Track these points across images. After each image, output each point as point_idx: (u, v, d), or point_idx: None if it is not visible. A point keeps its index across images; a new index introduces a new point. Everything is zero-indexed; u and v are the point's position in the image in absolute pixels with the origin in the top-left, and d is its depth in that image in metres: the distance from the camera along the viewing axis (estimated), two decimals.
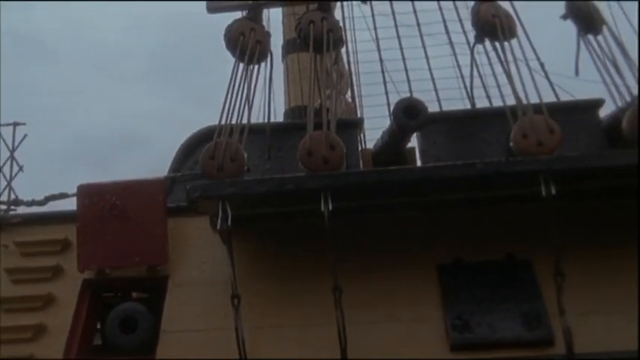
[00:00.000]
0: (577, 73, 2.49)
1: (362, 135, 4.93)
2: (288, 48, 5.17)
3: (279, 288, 2.44)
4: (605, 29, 2.38)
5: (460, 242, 2.43)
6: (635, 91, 2.25)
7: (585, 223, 2.36)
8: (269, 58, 2.65)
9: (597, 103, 2.64)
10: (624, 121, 2.18)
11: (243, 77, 2.51)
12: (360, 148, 3.01)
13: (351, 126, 2.91)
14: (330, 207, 2.09)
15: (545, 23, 2.77)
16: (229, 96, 2.44)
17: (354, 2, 6.64)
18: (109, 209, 2.49)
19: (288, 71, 5.32)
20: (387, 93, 5.60)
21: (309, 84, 2.50)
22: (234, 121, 2.41)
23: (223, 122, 2.37)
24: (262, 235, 2.53)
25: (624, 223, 2.34)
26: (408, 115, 2.43)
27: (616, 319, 2.18)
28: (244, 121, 2.45)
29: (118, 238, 2.48)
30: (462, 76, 3.00)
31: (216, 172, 2.28)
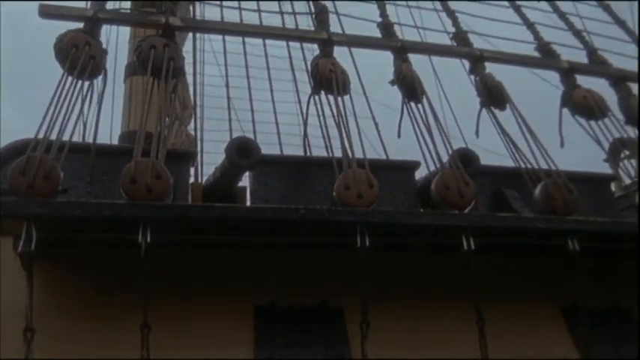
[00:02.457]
0: (399, 135, 2.71)
1: (199, 169, 4.87)
2: (131, 70, 4.98)
3: (84, 323, 2.25)
4: (424, 99, 2.63)
5: (278, 285, 2.46)
6: (445, 158, 2.50)
7: (397, 275, 2.53)
8: (103, 76, 2.52)
9: (414, 165, 2.88)
10: (432, 185, 2.40)
11: (71, 92, 2.35)
12: (190, 182, 2.95)
13: (184, 157, 2.85)
14: (149, 239, 2.00)
15: (382, 85, 2.98)
16: (51, 109, 2.26)
17: (207, 36, 6.65)
18: None
19: (127, 94, 5.11)
20: (230, 130, 5.63)
21: (143, 109, 2.42)
22: (54, 137, 2.23)
23: (41, 137, 2.18)
24: (72, 264, 2.34)
25: (430, 277, 2.56)
26: (241, 153, 2.46)
27: None
28: (66, 138, 2.27)
29: None
30: (305, 124, 3.09)
31: (26, 189, 2.07)
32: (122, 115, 5.67)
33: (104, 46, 2.52)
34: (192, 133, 6.11)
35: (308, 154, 3.08)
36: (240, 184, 2.86)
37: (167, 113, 2.62)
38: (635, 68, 3.20)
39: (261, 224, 2.20)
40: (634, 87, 3.13)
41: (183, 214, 2.14)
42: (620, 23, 3.45)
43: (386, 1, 3.08)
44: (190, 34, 5.86)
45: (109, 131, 5.75)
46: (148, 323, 2.01)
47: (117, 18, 2.76)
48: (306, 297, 2.46)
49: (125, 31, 5.65)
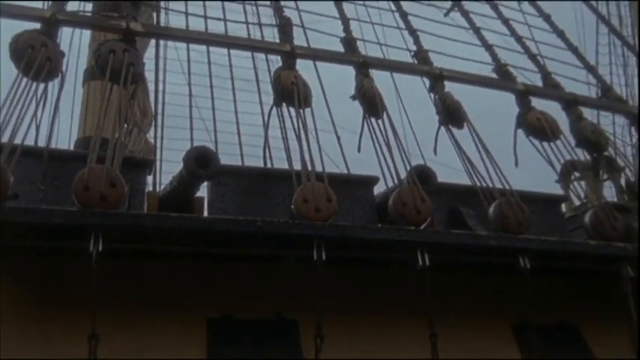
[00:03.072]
0: (359, 150, 2.73)
1: (156, 177, 4.79)
2: (89, 75, 4.88)
3: (28, 334, 2.17)
4: (385, 115, 2.66)
5: (233, 298, 2.43)
6: (403, 175, 2.53)
7: (352, 290, 2.54)
8: (59, 79, 2.45)
9: (373, 181, 2.91)
10: (390, 200, 2.42)
11: (25, 94, 2.29)
12: (147, 191, 2.90)
13: (140, 165, 2.80)
14: (101, 247, 1.95)
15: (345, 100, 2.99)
16: (3, 111, 2.19)
17: (170, 44, 6.58)
18: None
19: (85, 98, 5.00)
20: (192, 139, 5.57)
21: (99, 114, 2.37)
22: (5, 140, 2.16)
23: None
24: (16, 272, 2.26)
25: (385, 292, 2.57)
26: (199, 163, 2.43)
27: None
28: (18, 141, 2.20)
29: None
30: (265, 135, 3.08)
31: None
32: (79, 121, 5.55)
33: (65, 48, 2.47)
34: (152, 140, 6.02)
35: (269, 165, 3.07)
36: (199, 194, 2.83)
37: (125, 119, 2.58)
38: (586, 93, 3.33)
39: (217, 235, 2.18)
40: (584, 110, 3.24)
41: (137, 224, 2.10)
42: (573, 50, 3.57)
43: (350, 18, 3.11)
44: (153, 41, 5.80)
45: (67, 136, 5.62)
46: (96, 335, 1.96)
47: (76, 20, 2.70)
48: (261, 310, 2.43)
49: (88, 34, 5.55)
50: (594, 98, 3.47)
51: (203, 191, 2.84)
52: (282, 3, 3.09)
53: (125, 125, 2.67)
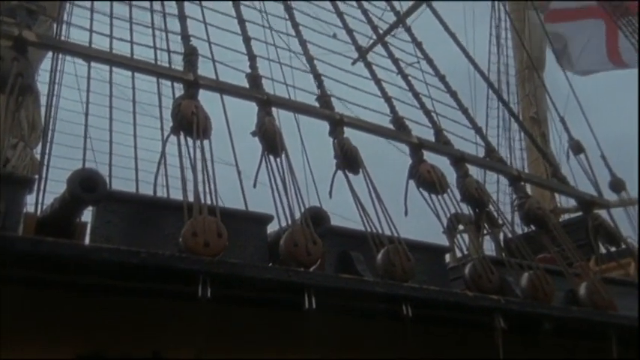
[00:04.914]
0: (254, 185, 2.72)
1: (39, 197, 4.47)
2: None
3: None
4: (284, 154, 2.68)
5: (108, 334, 2.28)
6: (297, 215, 2.54)
7: (236, 330, 2.47)
8: None
9: (267, 219, 2.89)
10: (282, 240, 2.42)
11: None
12: (25, 211, 2.69)
13: (20, 183, 2.60)
14: None
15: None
16: None
17: (68, 58, 6.29)
18: None
19: None
20: (84, 160, 5.29)
21: None
22: None
23: None
24: None
25: (270, 333, 2.53)
26: (84, 186, 2.30)
27: None
28: None
29: None
30: (159, 164, 2.98)
31: None
32: None
33: None
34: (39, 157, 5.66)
35: (164, 195, 2.97)
36: (84, 219, 2.67)
37: (9, 133, 2.40)
38: (473, 152, 3.55)
39: (95, 265, 2.05)
40: (472, 168, 3.45)
41: (8, 247, 1.93)
42: (464, 110, 3.82)
43: (258, 55, 3.13)
44: (51, 53, 5.50)
45: None
46: None
47: None
48: (137, 349, 2.30)
49: None
50: (480, 157, 3.71)
51: (88, 216, 2.69)
52: (191, 32, 3.06)
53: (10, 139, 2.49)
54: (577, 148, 5.00)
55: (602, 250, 4.00)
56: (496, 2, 11.54)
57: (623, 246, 3.92)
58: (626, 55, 11.19)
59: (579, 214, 5.53)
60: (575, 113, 6.43)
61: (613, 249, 3.97)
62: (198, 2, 3.37)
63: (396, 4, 4.55)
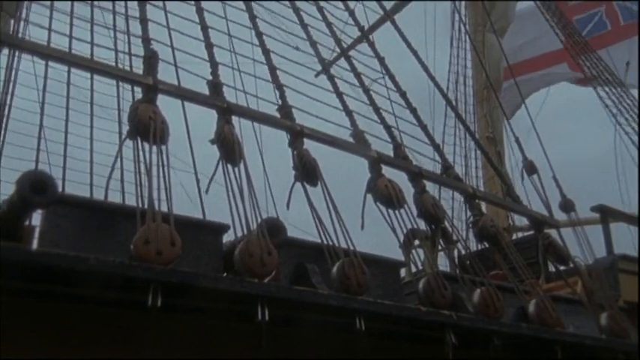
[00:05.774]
0: (207, 191, 2.69)
1: None
2: None
3: None
4: (242, 163, 2.66)
5: (53, 342, 2.20)
6: (254, 225, 2.51)
7: (187, 340, 2.42)
8: None
9: (222, 228, 2.85)
10: (237, 250, 2.39)
11: None
12: None
13: None
14: None
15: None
16: None
17: (25, 57, 6.12)
18: None
19: None
20: (37, 161, 5.13)
21: None
22: None
23: None
24: None
25: (223, 344, 2.49)
26: (34, 188, 2.23)
27: None
28: None
29: None
30: (112, 168, 2.91)
31: None
32: None
33: None
34: None
35: (120, 201, 2.90)
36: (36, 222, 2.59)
37: None
38: (431, 168, 3.61)
39: (42, 271, 1.98)
40: (429, 184, 3.50)
41: None
42: (423, 127, 3.88)
43: (220, 63, 3.11)
44: (6, 51, 5.34)
45: None
46: None
47: None
48: (84, 357, 2.22)
49: None
50: (437, 174, 3.76)
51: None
52: (154, 36, 3.01)
53: None
54: (530, 168, 5.13)
55: (552, 268, 4.11)
56: (456, 23, 11.82)
57: (571, 265, 4.03)
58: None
59: (531, 232, 5.67)
60: (529, 135, 6.61)
61: (562, 268, 4.08)
62: (161, 7, 3.33)
63: (361, 18, 4.60)
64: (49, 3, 5.49)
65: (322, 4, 4.18)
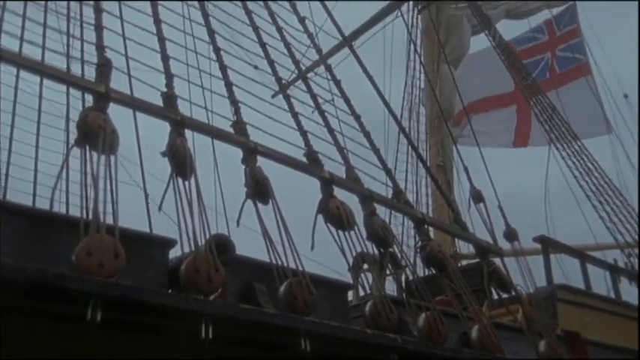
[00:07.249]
0: (160, 208, 2.63)
1: None
2: None
3: None
4: (193, 178, 2.62)
5: None
6: (202, 241, 2.47)
7: (130, 356, 2.34)
8: None
9: (169, 243, 2.79)
10: (183, 266, 2.34)
11: None
12: None
13: None
14: None
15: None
16: None
17: None
18: None
19: None
20: None
21: None
22: None
23: None
24: None
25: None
26: None
27: None
28: None
29: None
30: (57, 177, 2.81)
31: None
32: None
33: None
34: None
35: (64, 211, 2.80)
36: None
37: None
38: (382, 192, 3.64)
39: None
40: (379, 208, 3.53)
41: None
42: (376, 151, 3.93)
43: (175, 75, 3.07)
44: None
45: None
46: None
47: None
48: None
49: None
50: (388, 198, 3.81)
51: None
52: (107, 44, 2.95)
53: None
54: (478, 197, 5.25)
55: (495, 295, 4.19)
56: (412, 53, 12.09)
57: (513, 293, 4.13)
58: (536, 134, 12.11)
59: (477, 260, 5.79)
60: (478, 164, 6.79)
61: (504, 295, 4.17)
62: (117, 15, 3.28)
63: (321, 40, 4.65)
64: (1, 3, 5.33)
65: (282, 24, 4.21)
